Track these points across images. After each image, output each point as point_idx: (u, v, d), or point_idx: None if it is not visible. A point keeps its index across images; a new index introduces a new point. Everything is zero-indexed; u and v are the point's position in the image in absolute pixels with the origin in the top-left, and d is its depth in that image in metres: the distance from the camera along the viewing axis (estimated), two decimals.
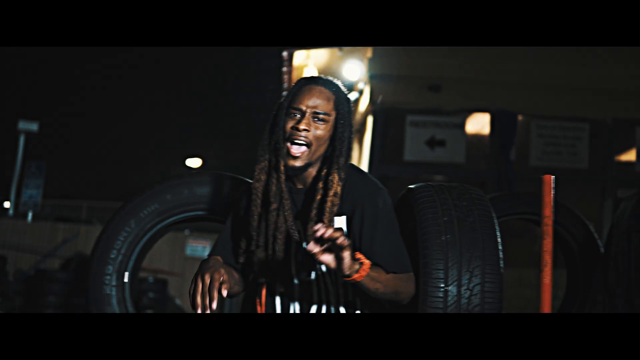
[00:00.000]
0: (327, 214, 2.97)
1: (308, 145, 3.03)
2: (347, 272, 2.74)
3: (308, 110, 3.04)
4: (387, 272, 2.97)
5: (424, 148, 10.80)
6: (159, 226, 3.89)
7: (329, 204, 2.98)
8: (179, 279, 15.02)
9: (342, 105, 3.10)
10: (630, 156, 11.31)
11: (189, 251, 15.59)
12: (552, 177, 3.20)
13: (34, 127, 19.78)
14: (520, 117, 11.04)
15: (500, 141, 10.76)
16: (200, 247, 15.68)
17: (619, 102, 11.02)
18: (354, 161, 12.18)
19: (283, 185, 3.05)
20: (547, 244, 3.11)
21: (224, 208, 3.75)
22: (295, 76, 14.20)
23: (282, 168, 3.05)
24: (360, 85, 11.75)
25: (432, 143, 10.81)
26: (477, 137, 11.15)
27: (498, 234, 3.17)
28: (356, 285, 2.85)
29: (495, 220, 3.21)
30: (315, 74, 12.79)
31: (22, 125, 19.72)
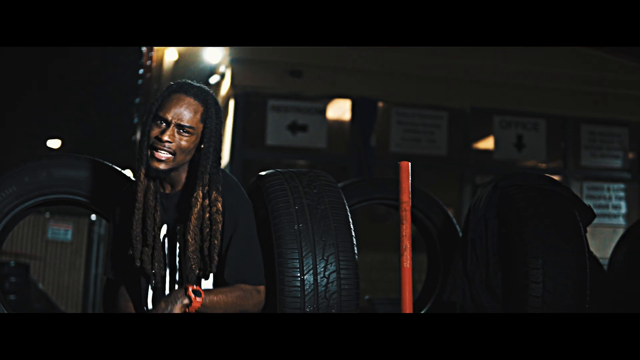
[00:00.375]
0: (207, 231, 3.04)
1: (172, 153, 3.03)
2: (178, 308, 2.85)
3: (173, 121, 3.02)
4: (234, 281, 3.02)
5: (285, 133, 10.74)
6: (17, 209, 3.76)
7: (198, 222, 3.04)
8: (41, 262, 14.71)
9: (210, 118, 3.09)
10: (488, 144, 11.55)
11: (50, 234, 15.26)
12: (409, 163, 3.22)
13: None
14: (380, 104, 11.11)
15: (360, 127, 10.82)
16: (62, 231, 15.31)
17: (476, 92, 11.24)
18: None
19: (143, 193, 3.08)
20: (406, 228, 3.13)
21: (85, 190, 3.75)
22: (156, 57, 13.91)
23: (142, 174, 3.04)
24: (222, 69, 11.60)
25: (294, 128, 10.77)
26: (339, 123, 11.18)
27: (350, 220, 3.14)
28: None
29: (347, 207, 3.18)
30: (175, 56, 12.56)
31: None
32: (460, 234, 4.72)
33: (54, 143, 26.01)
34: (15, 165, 3.80)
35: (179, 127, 3.01)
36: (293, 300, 2.94)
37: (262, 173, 3.37)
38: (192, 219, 2.98)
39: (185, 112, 3.02)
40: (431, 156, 11.03)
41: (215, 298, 2.93)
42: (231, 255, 3.03)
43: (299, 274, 2.96)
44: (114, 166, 3.79)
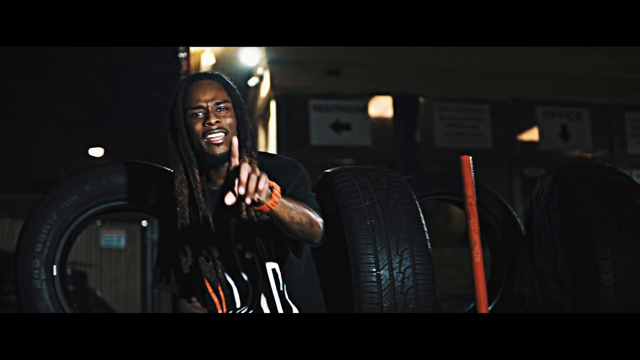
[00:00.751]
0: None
1: (225, 132, 2.96)
2: (262, 197, 2.58)
3: (209, 104, 2.96)
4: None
5: (329, 132, 10.73)
6: (81, 217, 3.78)
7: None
8: (97, 270, 14.76)
9: (233, 91, 3.06)
10: (532, 135, 11.46)
11: (103, 242, 15.31)
12: (470, 157, 3.19)
13: None
14: (421, 100, 11.07)
15: (403, 124, 10.79)
16: (115, 238, 15.37)
17: (517, 84, 11.17)
18: (261, 147, 12.07)
19: (201, 195, 3.01)
20: (474, 223, 3.11)
21: (144, 197, 3.74)
22: (193, 62, 14.00)
23: (196, 176, 2.99)
24: (260, 71, 11.61)
25: (338, 127, 10.75)
26: (381, 120, 11.15)
27: (421, 215, 3.12)
28: (271, 216, 2.71)
29: (417, 202, 3.16)
30: (212, 60, 12.64)
31: None
32: (522, 227, 4.68)
33: (96, 151, 26.06)
34: (73, 173, 3.81)
35: (217, 105, 2.96)
36: (370, 295, 2.93)
37: (329, 170, 3.37)
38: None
39: (214, 91, 2.98)
40: (477, 150, 10.95)
41: (288, 200, 2.76)
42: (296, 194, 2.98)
43: (374, 270, 2.94)
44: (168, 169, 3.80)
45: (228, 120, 2.96)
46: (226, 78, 3.08)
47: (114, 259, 14.74)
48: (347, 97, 11.01)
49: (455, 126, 11.05)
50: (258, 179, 2.50)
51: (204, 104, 2.94)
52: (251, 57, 11.42)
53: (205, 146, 2.94)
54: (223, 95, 2.99)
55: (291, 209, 2.73)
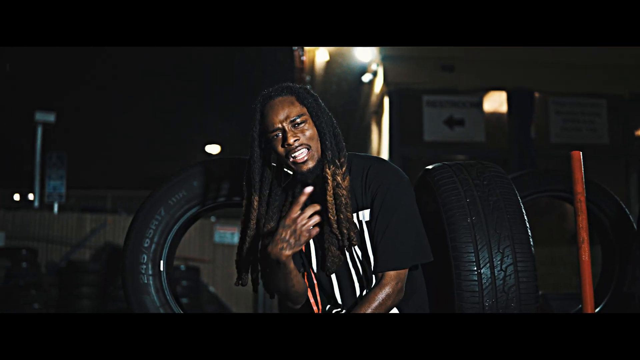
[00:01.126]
0: (332, 209, 2.89)
1: (307, 147, 2.89)
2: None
3: (285, 124, 2.88)
4: (376, 271, 2.87)
5: (443, 128, 10.68)
6: (189, 213, 3.79)
7: (331, 198, 2.89)
8: (210, 265, 14.96)
9: (306, 98, 2.95)
10: None
11: (217, 238, 15.49)
12: (580, 153, 3.09)
13: (50, 117, 19.65)
14: (536, 95, 10.88)
15: (518, 119, 10.63)
16: (228, 234, 15.56)
17: (635, 77, 10.84)
18: (374, 143, 12.07)
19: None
20: (582, 220, 3.01)
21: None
22: (308, 59, 14.07)
23: (294, 190, 3.01)
24: (374, 67, 11.61)
25: (451, 122, 10.68)
26: (496, 116, 11.01)
27: (524, 212, 3.04)
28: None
29: (519, 198, 3.08)
30: (326, 57, 12.69)
31: (39, 116, 19.59)
32: (635, 224, 4.54)
33: (213, 148, 26.51)
34: (182, 170, 3.83)
35: (292, 123, 2.89)
36: (471, 294, 2.86)
37: (429, 167, 3.31)
38: (329, 200, 2.88)
39: (286, 109, 2.90)
40: (593, 145, 10.71)
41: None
42: (377, 239, 2.90)
43: (475, 268, 2.88)
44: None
45: (308, 134, 2.89)
46: (299, 88, 2.99)
47: (227, 255, 14.94)
48: (460, 93, 10.93)
49: (572, 121, 10.83)
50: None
51: (279, 125, 2.88)
52: (365, 54, 11.44)
53: (293, 166, 2.90)
54: (297, 109, 2.90)
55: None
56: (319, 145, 2.92)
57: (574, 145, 10.46)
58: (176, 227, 3.78)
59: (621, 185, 10.56)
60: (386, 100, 11.08)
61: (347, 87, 12.84)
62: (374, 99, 12.22)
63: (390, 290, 2.85)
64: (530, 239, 2.97)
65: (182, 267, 12.63)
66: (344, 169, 2.93)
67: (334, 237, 2.94)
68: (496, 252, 2.89)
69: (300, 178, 2.92)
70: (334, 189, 2.88)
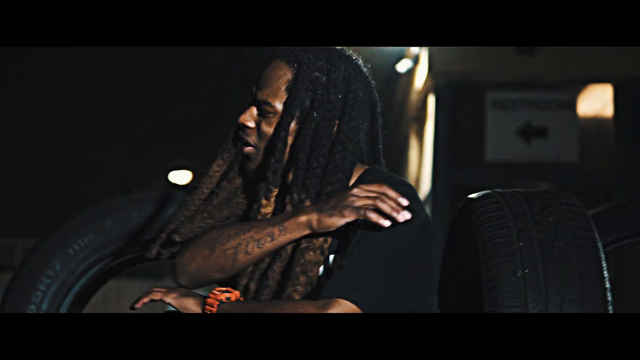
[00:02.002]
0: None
1: (254, 145, 3.05)
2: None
3: (254, 97, 3.05)
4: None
5: (515, 141, 10.72)
6: (97, 268, 3.85)
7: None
8: None
9: (302, 82, 3.02)
10: None
11: None
12: None
13: None
14: None
15: (631, 127, 10.63)
16: None
17: None
18: (412, 163, 12.12)
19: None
20: None
21: None
22: None
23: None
24: (414, 50, 11.66)
25: (528, 133, 10.72)
26: (596, 123, 11.05)
27: (604, 264, 3.07)
28: None
29: (600, 244, 3.11)
30: None
31: None
32: None
33: (181, 176, 27.09)
34: (92, 203, 3.87)
35: (257, 103, 3.03)
36: None
37: (473, 195, 3.34)
38: (275, 267, 2.97)
39: (266, 80, 3.03)
40: None
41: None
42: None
43: None
44: None
45: (264, 128, 3.02)
46: (308, 57, 3.06)
47: None
48: (544, 87, 10.96)
49: None
50: None
51: (255, 94, 3.04)
52: None
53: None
54: (273, 88, 3.03)
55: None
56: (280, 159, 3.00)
57: None
58: (77, 287, 3.80)
59: None
60: (431, 99, 11.12)
61: (376, 79, 12.85)
62: (413, 98, 12.27)
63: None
64: (609, 304, 2.99)
65: None
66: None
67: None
68: None
69: (242, 172, 3.11)
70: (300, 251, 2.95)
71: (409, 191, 3.03)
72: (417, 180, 11.72)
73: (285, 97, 2.99)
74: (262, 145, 3.01)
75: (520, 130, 10.75)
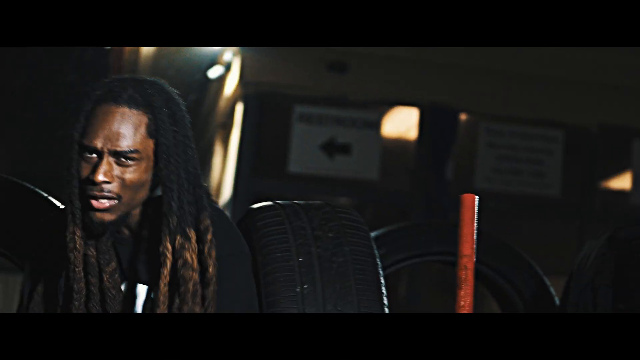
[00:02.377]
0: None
1: (116, 197, 2.95)
2: None
3: (105, 149, 2.91)
4: None
5: (318, 155, 10.75)
6: None
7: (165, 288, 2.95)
8: None
9: (164, 127, 2.98)
10: (622, 182, 11.45)
11: None
12: (476, 198, 3.16)
13: None
14: (463, 117, 11.07)
15: (432, 151, 10.77)
16: None
17: (609, 102, 11.15)
18: (215, 171, 12.08)
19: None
20: (465, 296, 3.06)
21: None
22: (128, 50, 14.04)
23: (76, 232, 2.99)
24: (227, 56, 11.62)
25: (331, 148, 10.76)
26: (399, 144, 11.17)
27: (381, 280, 3.10)
28: None
29: (377, 260, 3.15)
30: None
31: None
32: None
33: None
34: None
35: (115, 154, 2.92)
36: None
37: (254, 206, 3.35)
38: (161, 286, 2.92)
39: (120, 130, 2.92)
40: (538, 197, 10.94)
41: None
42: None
43: None
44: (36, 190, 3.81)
45: (128, 176, 2.94)
46: (158, 98, 3.01)
47: None
48: (351, 105, 11.01)
49: (510, 160, 11.06)
50: None
51: (98, 146, 2.93)
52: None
53: (86, 206, 2.95)
54: (135, 137, 2.95)
55: None
56: (141, 199, 3.01)
57: (508, 194, 10.68)
58: None
59: (571, 255, 10.71)
60: (239, 107, 11.09)
61: (186, 84, 12.75)
62: (222, 104, 12.22)
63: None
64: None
65: None
66: (208, 236, 2.98)
67: None
68: None
69: (92, 230, 2.97)
70: (178, 269, 2.92)
71: (222, 223, 3.13)
72: (219, 187, 11.68)
73: (151, 141, 2.99)
74: (126, 194, 3.00)
75: (325, 144, 10.79)
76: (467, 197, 3.16)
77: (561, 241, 10.95)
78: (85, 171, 2.92)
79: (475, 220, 3.16)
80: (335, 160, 10.78)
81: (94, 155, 2.92)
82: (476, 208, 3.15)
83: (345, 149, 10.81)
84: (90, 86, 3.04)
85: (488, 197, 10.71)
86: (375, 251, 3.21)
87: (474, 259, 3.13)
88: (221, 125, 12.25)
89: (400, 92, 11.01)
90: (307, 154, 10.78)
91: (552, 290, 4.87)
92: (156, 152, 2.97)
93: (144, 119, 2.95)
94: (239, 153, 10.76)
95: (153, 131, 2.96)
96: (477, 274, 4.47)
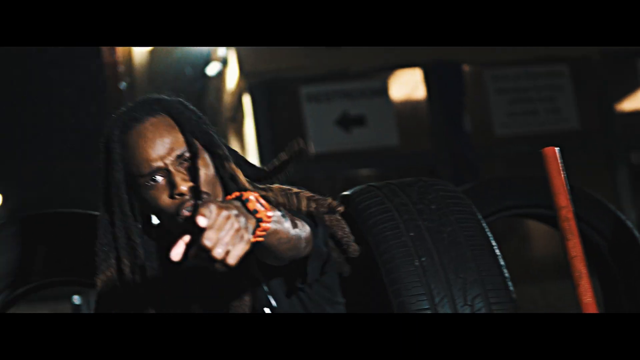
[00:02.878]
0: None
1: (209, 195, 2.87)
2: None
3: (168, 160, 2.84)
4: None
5: (335, 131, 10.72)
6: None
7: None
8: None
9: (183, 115, 2.95)
10: (636, 102, 11.43)
11: None
12: (557, 149, 3.12)
13: None
14: (466, 68, 11.04)
15: (445, 106, 10.75)
16: None
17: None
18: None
19: None
20: (574, 246, 3.03)
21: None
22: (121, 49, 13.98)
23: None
24: (221, 52, 11.59)
25: (346, 122, 10.74)
26: (411, 105, 11.14)
27: (493, 242, 3.11)
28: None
29: (483, 223, 3.16)
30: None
31: None
32: None
33: None
34: None
35: (179, 158, 2.86)
36: None
37: (347, 192, 3.33)
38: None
39: (164, 138, 2.87)
40: (558, 133, 10.91)
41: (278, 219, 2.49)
42: None
43: None
44: None
45: (202, 172, 2.87)
46: (164, 102, 2.99)
47: None
48: (355, 76, 11.00)
49: (522, 102, 11.03)
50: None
51: (159, 164, 2.84)
52: None
53: (177, 223, 2.84)
54: (178, 136, 2.89)
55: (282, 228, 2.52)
56: (220, 190, 2.95)
57: (530, 135, 10.66)
58: None
59: (604, 185, 10.71)
60: (246, 99, 11.06)
61: (184, 84, 12.69)
62: (227, 99, 12.18)
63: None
64: (508, 282, 3.03)
65: None
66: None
67: None
68: (462, 306, 2.93)
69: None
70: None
71: None
72: None
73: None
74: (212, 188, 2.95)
75: (339, 119, 10.77)
76: (548, 150, 3.11)
77: (591, 175, 10.92)
78: (159, 200, 2.86)
79: (561, 171, 3.13)
80: (353, 133, 10.76)
81: (159, 177, 2.85)
82: (559, 159, 3.13)
83: (359, 121, 10.79)
84: (102, 136, 2.96)
85: (509, 142, 10.74)
86: (479, 215, 3.21)
87: (572, 208, 3.11)
88: (230, 119, 12.22)
89: (399, 55, 10.97)
90: (323, 132, 10.75)
91: (629, 224, 4.82)
92: (191, 143, 2.90)
93: (168, 120, 2.91)
94: (258, 143, 10.73)
95: (180, 124, 2.92)
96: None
